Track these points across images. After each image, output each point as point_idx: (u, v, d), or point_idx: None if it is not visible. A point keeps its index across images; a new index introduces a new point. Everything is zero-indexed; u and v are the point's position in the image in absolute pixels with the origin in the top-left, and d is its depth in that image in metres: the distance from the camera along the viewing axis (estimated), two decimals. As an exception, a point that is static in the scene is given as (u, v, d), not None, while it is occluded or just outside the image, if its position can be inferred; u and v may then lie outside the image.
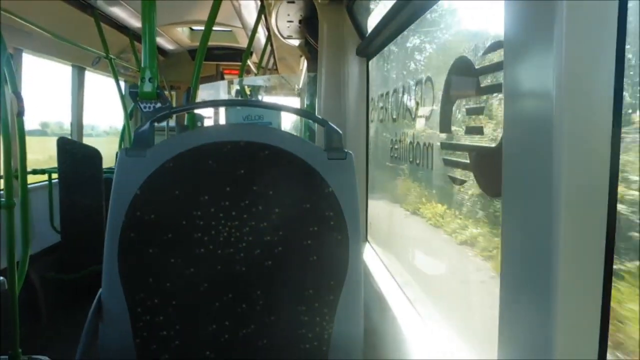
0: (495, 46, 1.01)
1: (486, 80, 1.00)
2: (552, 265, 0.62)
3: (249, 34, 3.80)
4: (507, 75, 0.73)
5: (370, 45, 2.05)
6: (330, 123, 1.44)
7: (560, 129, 0.60)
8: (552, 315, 0.63)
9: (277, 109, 1.93)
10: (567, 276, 0.62)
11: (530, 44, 0.66)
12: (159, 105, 1.66)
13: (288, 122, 5.20)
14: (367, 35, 2.12)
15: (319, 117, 1.55)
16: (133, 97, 1.66)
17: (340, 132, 1.44)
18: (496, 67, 0.98)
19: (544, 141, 0.62)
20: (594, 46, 0.60)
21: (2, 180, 2.65)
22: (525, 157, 0.68)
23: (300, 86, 4.68)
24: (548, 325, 0.63)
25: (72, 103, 4.33)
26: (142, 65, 1.67)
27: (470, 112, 1.07)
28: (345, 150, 1.39)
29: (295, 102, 4.68)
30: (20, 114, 2.45)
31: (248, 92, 4.11)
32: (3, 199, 2.30)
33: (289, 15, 2.95)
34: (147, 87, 1.66)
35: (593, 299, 0.63)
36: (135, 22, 4.15)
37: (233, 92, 4.20)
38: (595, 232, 0.62)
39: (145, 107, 1.65)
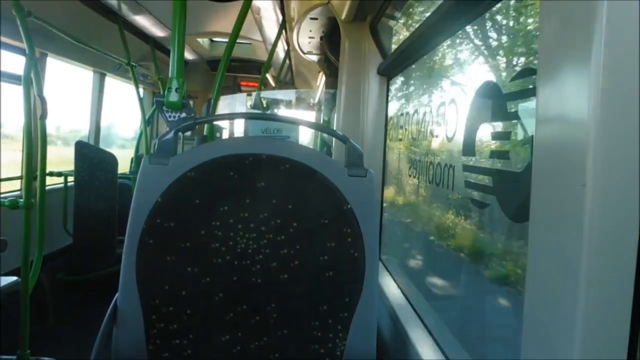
0: (523, 74, 1.02)
1: (514, 106, 1.01)
2: (579, 294, 0.62)
3: (269, 47, 3.85)
4: (539, 100, 0.73)
5: (392, 65, 2.07)
6: (351, 140, 1.45)
7: (595, 158, 0.60)
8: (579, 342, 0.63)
9: (299, 124, 1.94)
10: (593, 311, 0.62)
11: (565, 70, 0.66)
12: (183, 115, 1.68)
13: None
14: (389, 54, 2.14)
15: (340, 133, 1.57)
16: (159, 106, 1.68)
17: (361, 149, 1.45)
18: (524, 93, 0.99)
19: (577, 169, 0.62)
20: (632, 74, 0.60)
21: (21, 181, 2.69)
22: (556, 184, 0.68)
23: (315, 101, 4.72)
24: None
25: (91, 107, 4.40)
26: (170, 75, 1.70)
27: (495, 137, 1.08)
28: (366, 168, 1.40)
29: (311, 115, 4.72)
30: (43, 116, 2.49)
31: (264, 105, 4.15)
32: (22, 200, 2.32)
33: (310, 31, 2.99)
34: (174, 97, 1.69)
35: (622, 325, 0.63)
36: (157, 31, 4.22)
37: (250, 104, 4.25)
38: (626, 263, 0.62)
39: (170, 117, 1.68)
